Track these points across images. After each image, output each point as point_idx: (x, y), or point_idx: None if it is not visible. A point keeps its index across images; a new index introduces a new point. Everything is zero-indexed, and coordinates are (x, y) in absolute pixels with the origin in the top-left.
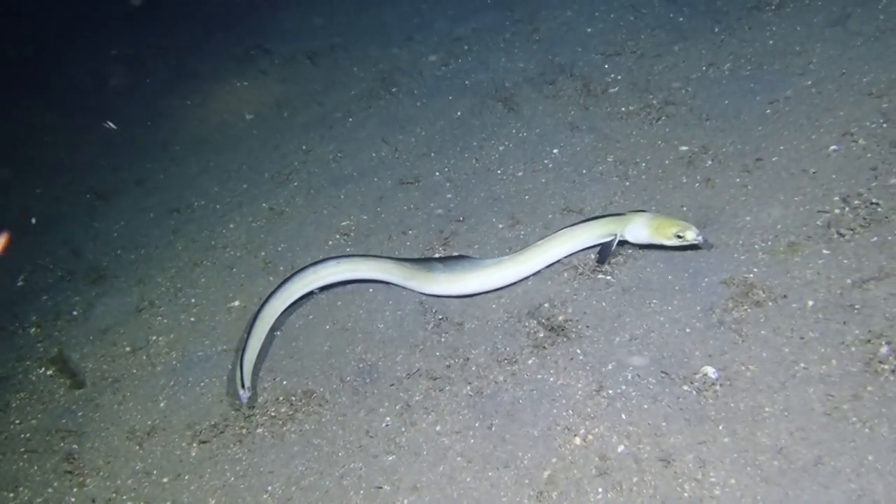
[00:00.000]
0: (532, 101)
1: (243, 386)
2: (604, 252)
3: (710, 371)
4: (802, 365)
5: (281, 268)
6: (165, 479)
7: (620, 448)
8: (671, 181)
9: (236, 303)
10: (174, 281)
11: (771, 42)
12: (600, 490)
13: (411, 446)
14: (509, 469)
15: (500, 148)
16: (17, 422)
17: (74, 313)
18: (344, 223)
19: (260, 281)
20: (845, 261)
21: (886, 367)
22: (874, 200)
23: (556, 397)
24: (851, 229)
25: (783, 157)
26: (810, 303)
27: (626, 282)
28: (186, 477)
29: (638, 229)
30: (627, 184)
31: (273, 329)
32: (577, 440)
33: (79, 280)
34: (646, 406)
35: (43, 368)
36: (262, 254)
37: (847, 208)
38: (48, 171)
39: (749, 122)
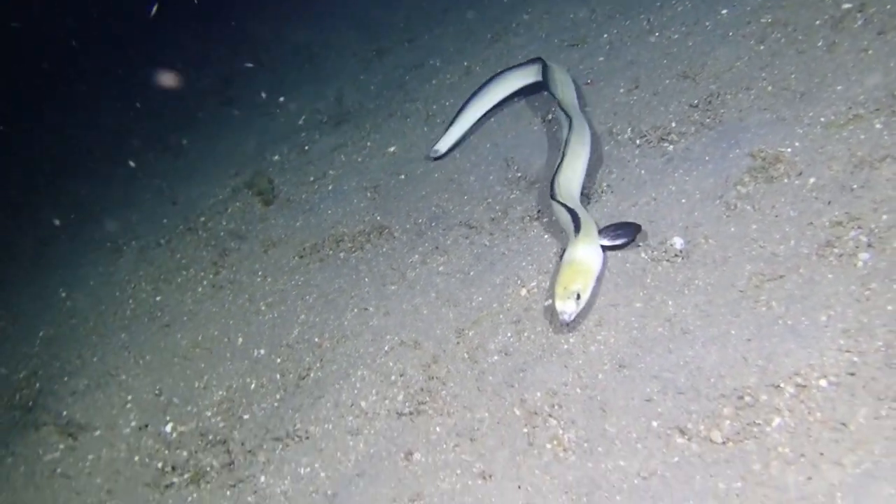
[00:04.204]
0: None
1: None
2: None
3: (679, 242)
4: (760, 244)
5: (438, 120)
6: (258, 279)
7: (548, 302)
8: (803, 45)
9: (392, 149)
10: (373, 128)
11: None
12: (509, 334)
13: (412, 281)
14: (458, 307)
15: (679, 8)
16: (224, 223)
17: (306, 148)
18: None
19: (417, 132)
20: (886, 136)
21: (841, 251)
22: None
23: (533, 253)
24: None
25: None
26: (812, 180)
27: (674, 151)
28: (269, 279)
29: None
30: (761, 48)
31: (398, 173)
32: (524, 291)
33: (329, 124)
34: None
35: (256, 187)
36: (434, 107)
37: None
38: (353, 33)
39: None
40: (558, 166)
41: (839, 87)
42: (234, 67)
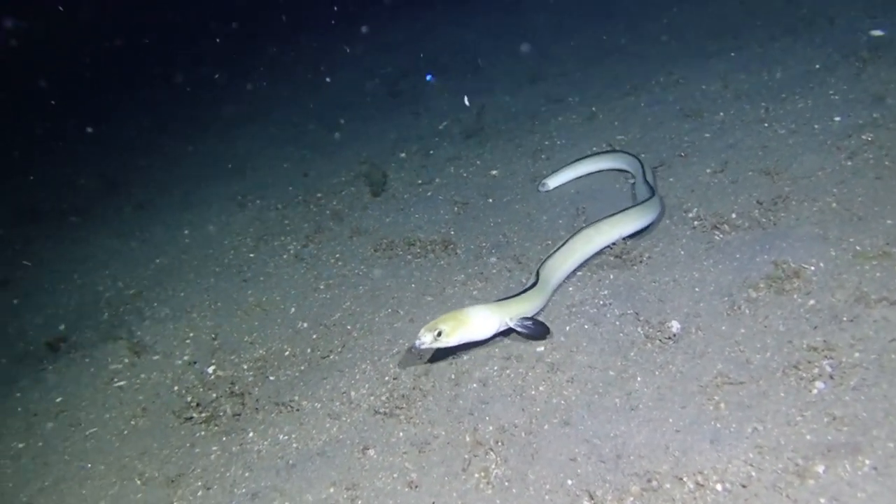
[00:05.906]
0: (889, 63)
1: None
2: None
3: (676, 326)
4: (741, 348)
5: (543, 156)
6: (332, 260)
7: (540, 349)
8: (884, 172)
9: (494, 172)
10: (491, 148)
11: None
12: (495, 368)
13: (447, 297)
14: None
15: (800, 105)
16: (334, 203)
17: (431, 153)
18: (619, 137)
19: (521, 162)
20: None
21: (804, 374)
22: None
23: (552, 303)
24: None
25: None
26: (811, 302)
27: (718, 241)
28: (340, 263)
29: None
30: (848, 164)
31: (489, 196)
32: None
33: (461, 135)
34: (586, 327)
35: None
36: (546, 143)
37: None
38: (524, 57)
39: None
40: (556, 249)
41: (889, 222)
42: (413, 64)
